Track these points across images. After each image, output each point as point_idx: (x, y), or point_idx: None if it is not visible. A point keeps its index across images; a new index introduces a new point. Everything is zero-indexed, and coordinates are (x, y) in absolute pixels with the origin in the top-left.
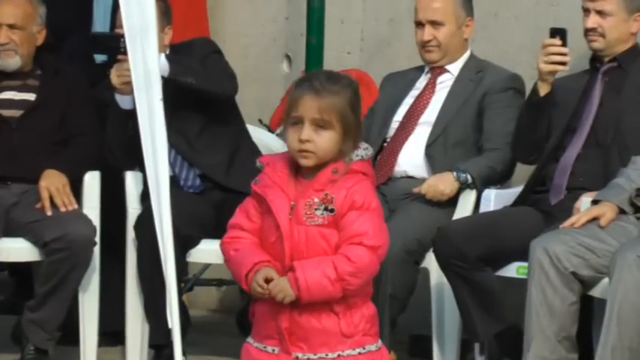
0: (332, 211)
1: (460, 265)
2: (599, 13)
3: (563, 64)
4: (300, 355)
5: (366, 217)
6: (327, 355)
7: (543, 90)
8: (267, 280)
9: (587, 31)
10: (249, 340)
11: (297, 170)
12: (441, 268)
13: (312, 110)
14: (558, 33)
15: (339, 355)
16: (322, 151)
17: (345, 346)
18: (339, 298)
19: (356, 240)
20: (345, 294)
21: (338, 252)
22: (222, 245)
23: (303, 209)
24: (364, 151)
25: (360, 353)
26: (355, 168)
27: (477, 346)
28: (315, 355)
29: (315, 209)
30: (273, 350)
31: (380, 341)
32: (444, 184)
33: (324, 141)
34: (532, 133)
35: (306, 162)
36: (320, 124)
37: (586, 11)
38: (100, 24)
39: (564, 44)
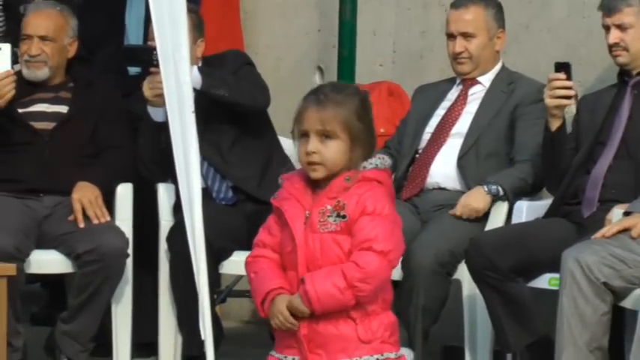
0: (344, 217)
1: (492, 276)
2: (619, 27)
3: (568, 97)
4: None
5: (376, 222)
6: None
7: (554, 125)
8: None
9: (611, 47)
10: (272, 352)
11: (314, 182)
12: (473, 279)
13: (315, 122)
14: (563, 67)
15: None
16: (330, 162)
17: (363, 352)
18: (354, 305)
19: (365, 245)
20: (358, 301)
21: (349, 259)
22: (245, 265)
23: (317, 217)
24: (380, 160)
25: (377, 359)
26: (369, 176)
27: (509, 357)
28: None
29: (328, 216)
30: (293, 359)
31: (400, 351)
32: (476, 200)
33: (330, 151)
34: (555, 167)
35: (315, 174)
36: (325, 135)
37: (606, 28)
38: (132, 36)
39: (569, 78)
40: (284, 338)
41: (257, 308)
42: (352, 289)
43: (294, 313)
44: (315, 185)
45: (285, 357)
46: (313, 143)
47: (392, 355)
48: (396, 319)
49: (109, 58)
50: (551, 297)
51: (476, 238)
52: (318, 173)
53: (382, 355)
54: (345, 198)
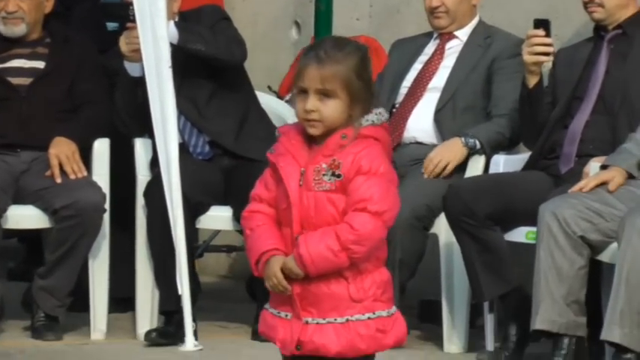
0: (339, 176)
1: (469, 222)
2: None
3: (547, 54)
4: (309, 319)
5: (372, 181)
6: (335, 319)
7: (532, 81)
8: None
9: (586, 4)
10: (266, 306)
11: (311, 137)
12: (450, 226)
13: (315, 80)
14: (542, 24)
15: (347, 320)
16: (328, 120)
17: (354, 311)
18: (348, 266)
19: (360, 205)
20: (353, 262)
21: (343, 220)
22: (242, 220)
23: (312, 175)
24: (376, 115)
25: (369, 318)
26: (365, 133)
27: (485, 305)
28: (324, 319)
29: (323, 175)
30: (287, 315)
31: (394, 308)
32: (451, 152)
33: (329, 110)
34: (532, 123)
35: (313, 130)
36: (324, 94)
37: None
38: None
39: (548, 35)
40: (278, 294)
41: (251, 266)
42: (346, 252)
43: (288, 275)
44: (312, 140)
45: (279, 312)
46: (312, 101)
47: (384, 313)
48: (389, 275)
49: (87, 14)
50: (527, 250)
51: (455, 184)
52: (316, 130)
53: (374, 313)
54: (341, 156)
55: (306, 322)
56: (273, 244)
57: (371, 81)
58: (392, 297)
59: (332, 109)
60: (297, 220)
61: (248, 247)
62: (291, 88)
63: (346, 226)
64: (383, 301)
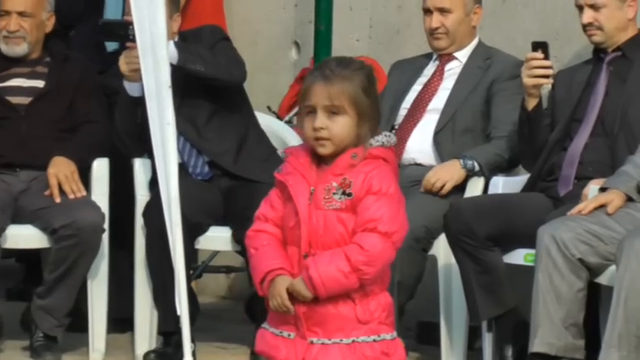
0: (349, 195)
1: (469, 242)
2: (592, 6)
3: (546, 76)
4: (315, 339)
5: (382, 202)
6: (341, 340)
7: (531, 104)
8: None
9: (585, 27)
10: (265, 325)
11: (319, 158)
12: (449, 245)
13: (322, 97)
14: (540, 46)
15: (353, 341)
16: (337, 137)
17: (360, 333)
18: (358, 288)
19: (370, 226)
20: (363, 283)
21: (352, 240)
22: (246, 239)
23: (322, 194)
24: (386, 137)
25: (374, 340)
26: (375, 153)
27: (484, 325)
28: (329, 340)
29: (334, 193)
30: (289, 335)
31: (395, 333)
32: (449, 173)
33: (338, 127)
34: (531, 145)
35: (323, 150)
36: (333, 111)
37: (579, 8)
38: (111, 10)
39: (547, 57)
40: (281, 314)
41: (255, 286)
42: (357, 273)
43: (294, 296)
44: (320, 161)
45: (281, 332)
46: (321, 119)
47: (388, 337)
48: (391, 300)
49: (88, 33)
50: (525, 273)
51: (456, 203)
52: (325, 149)
53: (379, 336)
54: (351, 175)
55: (311, 342)
56: (279, 263)
57: (377, 100)
58: (394, 321)
59: (341, 127)
60: (305, 238)
61: (252, 266)
62: (291, 109)
63: (356, 247)
64: (387, 325)
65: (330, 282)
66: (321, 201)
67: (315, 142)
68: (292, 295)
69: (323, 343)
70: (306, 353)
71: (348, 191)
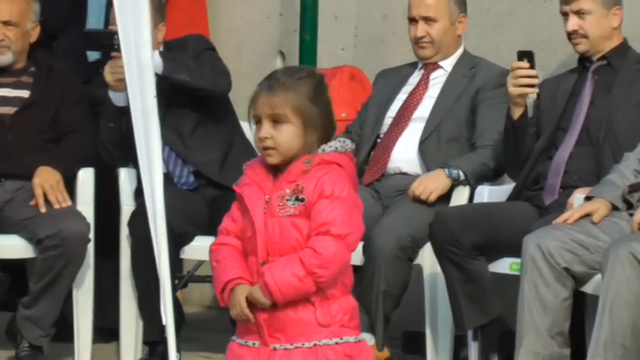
0: (302, 200)
1: (454, 252)
2: (578, 13)
3: (532, 86)
4: (277, 346)
5: (335, 205)
6: (303, 344)
7: (516, 113)
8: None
9: (570, 35)
10: (233, 337)
11: (275, 167)
12: (435, 254)
13: (265, 107)
14: (526, 55)
15: (315, 345)
16: (283, 146)
17: (322, 336)
18: (315, 291)
19: (323, 229)
20: (319, 286)
21: (307, 245)
22: (210, 253)
23: (276, 201)
24: (340, 143)
25: (337, 343)
26: (328, 158)
27: (470, 334)
28: (291, 345)
29: (287, 200)
30: (254, 344)
31: (361, 335)
32: (435, 182)
33: (282, 136)
34: (517, 154)
35: (270, 159)
36: (276, 120)
37: (565, 15)
38: (94, 21)
39: (532, 66)
40: (245, 324)
41: (217, 297)
42: (312, 276)
43: (255, 304)
44: (277, 170)
45: (246, 342)
46: (265, 128)
47: (351, 339)
48: (356, 303)
49: (70, 43)
50: (511, 282)
51: (441, 212)
52: (273, 158)
53: (341, 338)
54: (304, 181)
55: (274, 349)
56: (238, 273)
57: (329, 108)
58: (359, 324)
59: (285, 135)
60: (262, 246)
61: (214, 278)
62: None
63: (310, 251)
64: (350, 328)
65: (286, 287)
66: (275, 208)
67: (263, 152)
68: (252, 304)
69: (285, 349)
70: None
71: (300, 197)
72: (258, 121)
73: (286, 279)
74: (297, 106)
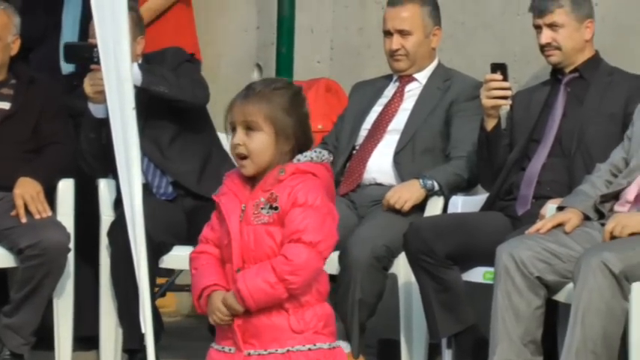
0: (276, 209)
1: (428, 261)
2: (551, 26)
3: (505, 97)
4: (252, 351)
5: (307, 213)
6: (276, 350)
7: (490, 124)
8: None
9: (543, 47)
10: (212, 343)
11: (253, 177)
12: (409, 264)
13: (239, 114)
14: (499, 68)
15: (288, 351)
16: (254, 154)
17: (295, 342)
18: (287, 298)
19: (295, 237)
20: (290, 293)
21: (279, 252)
22: (189, 261)
23: (251, 210)
24: (316, 153)
25: (310, 349)
26: (303, 168)
27: (443, 342)
28: (265, 351)
29: (262, 208)
30: (230, 350)
31: (336, 342)
32: (409, 191)
33: (254, 143)
34: (490, 165)
35: (244, 171)
36: (249, 127)
37: (537, 28)
38: (69, 34)
39: (505, 78)
40: (222, 330)
41: (194, 303)
42: (283, 283)
43: (229, 310)
44: (254, 180)
45: (223, 348)
46: (239, 135)
47: (325, 346)
48: (331, 310)
49: (44, 56)
50: (485, 290)
51: (415, 223)
52: (246, 169)
53: (315, 345)
54: (278, 190)
55: (249, 354)
56: (214, 280)
57: (305, 119)
58: (334, 331)
59: (257, 142)
60: (237, 254)
61: (192, 285)
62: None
63: (281, 258)
64: (324, 334)
65: (258, 293)
66: (250, 217)
67: (238, 162)
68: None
69: (259, 354)
70: None
71: (274, 205)
72: (233, 129)
73: (258, 285)
74: (269, 114)
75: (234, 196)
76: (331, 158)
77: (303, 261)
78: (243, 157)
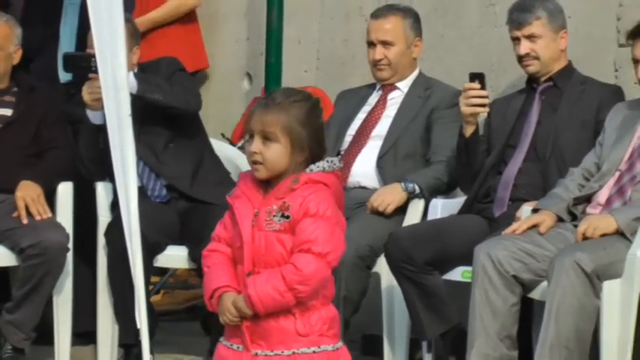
0: (287, 217)
1: (409, 269)
2: (529, 37)
3: (483, 105)
4: (259, 352)
5: (318, 224)
6: (282, 352)
7: (468, 131)
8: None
9: (522, 58)
10: (221, 339)
11: (266, 182)
12: (391, 272)
13: (258, 123)
14: (477, 77)
15: (293, 353)
16: (270, 163)
17: (301, 345)
18: (295, 305)
19: (305, 247)
20: (299, 301)
21: (289, 261)
22: (202, 258)
23: (264, 216)
24: (328, 163)
25: (314, 352)
26: (315, 178)
27: (424, 345)
28: (272, 352)
29: (274, 216)
30: (238, 347)
31: (340, 343)
32: (391, 194)
33: (270, 153)
34: (469, 169)
35: (258, 174)
36: (267, 137)
37: (515, 40)
38: (66, 45)
39: (483, 87)
40: (231, 328)
41: (205, 302)
42: (292, 292)
43: (239, 313)
44: (267, 185)
45: (232, 345)
46: (256, 144)
47: (329, 348)
48: (336, 312)
49: (45, 65)
50: (464, 288)
51: (394, 232)
52: (260, 173)
53: (319, 347)
54: (290, 199)
55: (256, 354)
56: (226, 281)
57: (321, 131)
58: (338, 333)
59: (273, 152)
60: (248, 257)
61: (204, 283)
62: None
63: (291, 267)
64: (329, 337)
65: (267, 299)
66: (263, 223)
67: (252, 166)
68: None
69: (266, 355)
70: None
71: (286, 214)
72: (251, 136)
73: (268, 292)
74: (286, 126)
75: (248, 200)
76: (342, 165)
77: (312, 271)
78: (258, 163)
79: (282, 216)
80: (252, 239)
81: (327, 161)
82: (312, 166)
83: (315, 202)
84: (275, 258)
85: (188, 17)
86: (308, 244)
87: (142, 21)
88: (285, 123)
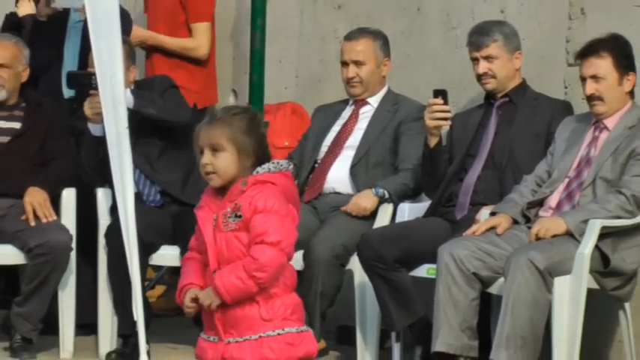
0: (240, 217)
1: (380, 267)
2: (487, 58)
3: (445, 119)
4: (231, 339)
5: (267, 217)
6: (250, 337)
7: (432, 142)
8: (194, 299)
9: (480, 76)
10: (201, 333)
11: (222, 190)
12: (363, 269)
13: (205, 138)
14: (440, 93)
15: (260, 337)
16: (221, 171)
17: (266, 329)
18: (258, 291)
19: (258, 239)
20: (260, 286)
21: (248, 253)
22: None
23: (221, 219)
24: (273, 164)
25: (279, 334)
26: (261, 179)
27: (393, 335)
28: (242, 338)
29: (229, 217)
30: (214, 339)
31: (304, 326)
32: (365, 201)
33: (220, 162)
34: (433, 176)
35: (212, 183)
36: (215, 148)
37: (475, 60)
38: (70, 64)
39: (446, 102)
40: (207, 322)
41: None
42: (252, 279)
43: (209, 303)
44: (223, 192)
45: (209, 337)
46: (206, 156)
47: (293, 330)
48: (299, 300)
49: (50, 83)
50: (429, 284)
51: (366, 233)
52: (214, 182)
53: (283, 330)
54: (241, 200)
55: (228, 342)
56: (190, 279)
57: (263, 138)
58: (302, 317)
59: (222, 161)
60: (213, 257)
61: (179, 283)
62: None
63: (249, 258)
64: (292, 320)
65: (232, 288)
66: (221, 225)
67: (206, 177)
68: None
69: (237, 342)
70: (225, 352)
71: (239, 214)
72: (201, 151)
73: (232, 282)
74: (230, 135)
75: (209, 209)
76: (290, 166)
77: (268, 259)
78: (211, 173)
79: (236, 216)
80: (214, 241)
81: (274, 163)
82: (259, 169)
83: (262, 199)
84: (236, 254)
85: (209, 60)
86: (261, 236)
87: (154, 37)
88: (229, 133)
